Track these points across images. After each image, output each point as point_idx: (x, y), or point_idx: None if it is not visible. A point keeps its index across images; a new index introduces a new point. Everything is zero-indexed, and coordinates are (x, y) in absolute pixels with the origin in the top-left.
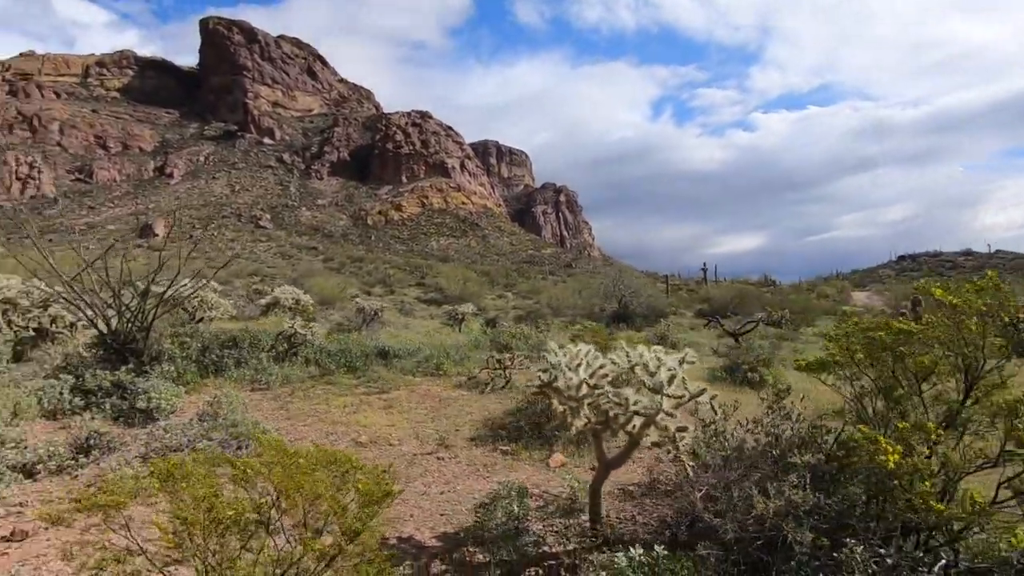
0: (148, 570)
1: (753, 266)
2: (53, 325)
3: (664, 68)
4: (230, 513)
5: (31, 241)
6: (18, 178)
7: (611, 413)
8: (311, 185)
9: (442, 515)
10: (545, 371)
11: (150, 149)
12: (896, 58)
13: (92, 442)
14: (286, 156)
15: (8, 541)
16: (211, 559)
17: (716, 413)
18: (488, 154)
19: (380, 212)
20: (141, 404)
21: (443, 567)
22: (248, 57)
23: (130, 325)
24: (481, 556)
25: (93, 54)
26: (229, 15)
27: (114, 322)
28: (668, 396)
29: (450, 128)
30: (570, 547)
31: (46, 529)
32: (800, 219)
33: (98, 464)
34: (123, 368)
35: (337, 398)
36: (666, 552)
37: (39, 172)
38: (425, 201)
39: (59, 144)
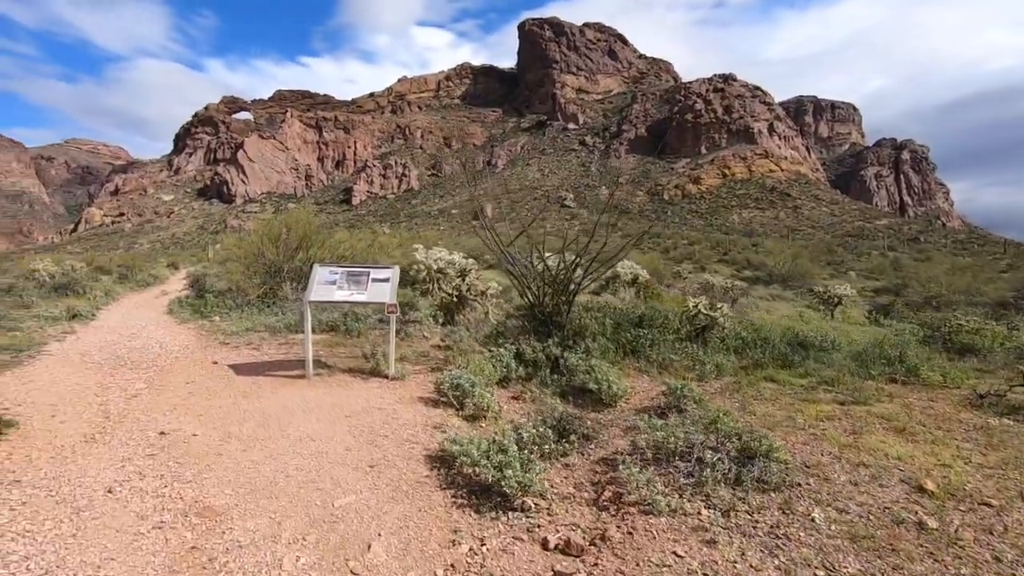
0: None
1: None
2: (468, 292)
3: None
4: None
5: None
6: (396, 176)
7: None
8: (610, 164)
9: None
10: None
11: (480, 144)
12: None
13: (566, 425)
14: (587, 139)
15: (565, 553)
16: None
17: None
18: (803, 112)
19: (677, 186)
20: (592, 385)
21: None
22: (556, 50)
23: (558, 298)
24: None
25: (442, 71)
26: (539, 14)
27: (541, 294)
28: None
29: (757, 88)
30: None
31: (593, 544)
32: None
33: (582, 454)
34: (549, 341)
35: (801, 403)
36: None
37: (409, 170)
38: (726, 171)
39: (420, 147)
